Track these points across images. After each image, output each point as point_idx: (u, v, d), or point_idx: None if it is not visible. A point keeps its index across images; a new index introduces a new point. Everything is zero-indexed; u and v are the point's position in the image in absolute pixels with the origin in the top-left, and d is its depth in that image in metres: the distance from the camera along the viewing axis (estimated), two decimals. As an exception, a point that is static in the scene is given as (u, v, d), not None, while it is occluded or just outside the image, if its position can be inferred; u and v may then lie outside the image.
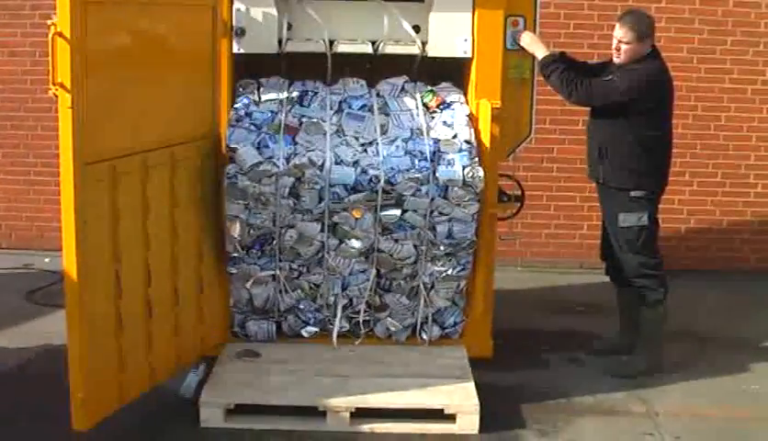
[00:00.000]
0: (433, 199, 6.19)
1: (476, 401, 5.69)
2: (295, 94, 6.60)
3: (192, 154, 6.05)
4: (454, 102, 6.60)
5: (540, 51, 6.55)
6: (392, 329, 6.53)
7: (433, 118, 6.55)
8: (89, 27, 4.95)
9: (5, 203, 9.87)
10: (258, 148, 6.23)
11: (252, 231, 6.26)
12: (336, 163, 6.21)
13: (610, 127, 6.47)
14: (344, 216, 6.21)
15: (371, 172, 6.18)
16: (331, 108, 6.52)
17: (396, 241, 6.28)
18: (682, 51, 9.20)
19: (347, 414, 5.62)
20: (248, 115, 6.42)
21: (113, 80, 5.26)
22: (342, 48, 6.59)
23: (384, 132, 6.43)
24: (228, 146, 6.23)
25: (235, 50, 6.44)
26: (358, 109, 6.55)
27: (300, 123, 6.42)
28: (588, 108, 6.74)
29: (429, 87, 6.71)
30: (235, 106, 6.45)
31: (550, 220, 9.53)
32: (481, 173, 6.21)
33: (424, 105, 6.60)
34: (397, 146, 6.33)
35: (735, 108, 9.43)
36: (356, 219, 6.19)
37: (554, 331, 7.58)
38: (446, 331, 6.58)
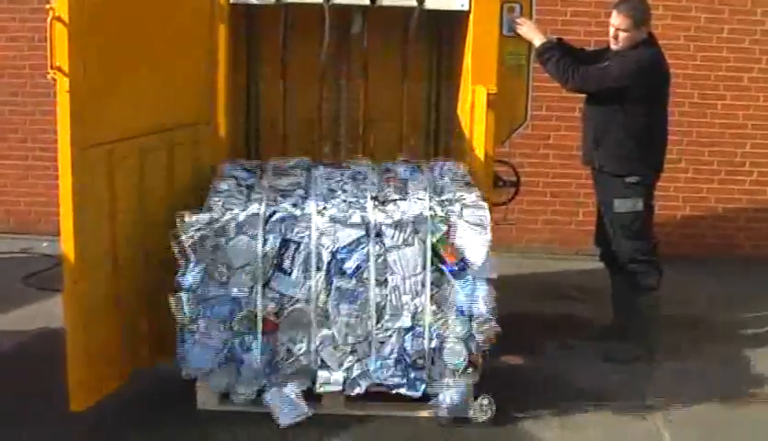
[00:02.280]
0: None
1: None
2: (274, 246, 5.47)
3: (189, 139, 6.07)
4: (472, 263, 5.49)
5: (537, 39, 6.58)
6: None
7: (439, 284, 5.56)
8: (87, 11, 4.97)
9: (3, 188, 9.89)
10: (227, 359, 5.55)
11: None
12: (321, 368, 5.59)
13: (605, 113, 6.50)
14: None
15: (361, 383, 5.60)
16: (318, 269, 5.46)
17: None
18: (678, 39, 9.21)
19: (342, 398, 5.65)
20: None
21: (111, 64, 5.27)
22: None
23: (379, 319, 5.54)
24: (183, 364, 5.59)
25: (233, 0, 6.41)
26: (351, 275, 5.48)
27: (281, 309, 5.53)
28: (583, 95, 6.76)
29: (441, 220, 5.55)
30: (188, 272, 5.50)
31: (546, 206, 9.57)
32: (486, 401, 5.63)
33: (434, 250, 5.51)
34: (391, 348, 5.56)
35: (731, 96, 9.45)
36: None
37: (549, 316, 7.62)
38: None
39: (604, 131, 6.54)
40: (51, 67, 4.89)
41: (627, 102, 6.39)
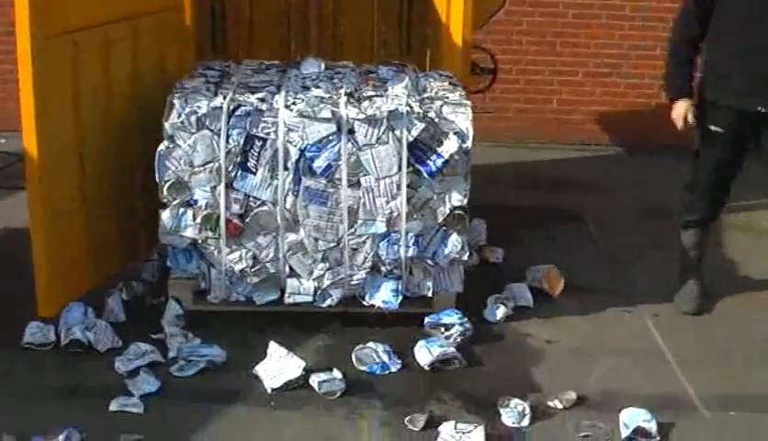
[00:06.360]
0: None
1: (452, 278, 5.55)
2: (238, 142, 5.13)
3: (155, 27, 5.80)
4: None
5: None
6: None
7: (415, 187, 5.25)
8: None
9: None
10: (190, 259, 5.36)
11: None
12: (290, 276, 5.35)
13: None
14: None
15: (333, 294, 5.37)
16: (285, 169, 5.15)
17: None
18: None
19: (323, 294, 5.51)
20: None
21: (70, -54, 4.99)
22: None
23: (352, 224, 5.24)
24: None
25: None
26: (321, 173, 5.14)
27: (246, 212, 5.23)
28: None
29: (418, 117, 5.19)
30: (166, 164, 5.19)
31: (519, 94, 9.30)
32: (470, 324, 5.35)
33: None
34: (365, 255, 5.29)
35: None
36: None
37: (530, 207, 7.45)
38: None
39: None
40: (7, -50, 4.64)
41: None
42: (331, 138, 5.13)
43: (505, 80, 8.82)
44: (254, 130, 5.14)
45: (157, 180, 5.19)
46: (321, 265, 5.30)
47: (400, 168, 5.17)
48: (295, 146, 5.14)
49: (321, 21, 7.04)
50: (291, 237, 5.25)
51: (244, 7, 6.93)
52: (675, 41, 5.62)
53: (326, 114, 5.13)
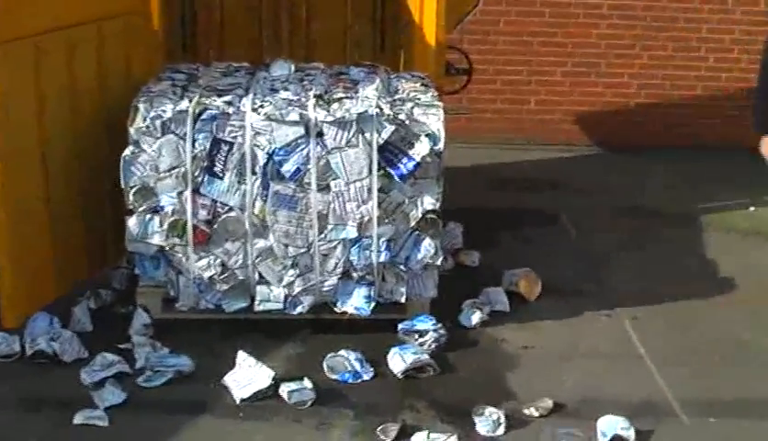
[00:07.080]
0: None
1: (428, 283, 5.46)
2: (204, 146, 5.03)
3: (121, 30, 5.71)
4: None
5: None
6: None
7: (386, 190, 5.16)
8: None
9: None
10: (157, 266, 5.25)
11: None
12: (260, 283, 5.26)
13: None
14: None
15: (304, 300, 5.28)
16: (253, 173, 5.05)
17: None
18: None
19: (291, 299, 5.41)
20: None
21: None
22: None
23: (322, 229, 5.14)
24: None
25: None
26: (290, 178, 5.04)
27: (213, 218, 5.12)
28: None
29: (389, 119, 5.11)
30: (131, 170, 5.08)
31: (496, 94, 9.23)
32: (444, 330, 5.30)
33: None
34: (336, 261, 5.19)
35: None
36: None
37: (505, 209, 7.38)
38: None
39: None
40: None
41: None
42: (299, 141, 5.03)
43: (483, 80, 8.77)
44: (221, 134, 5.04)
45: (123, 186, 5.09)
46: (292, 272, 5.20)
47: (370, 171, 5.09)
48: (263, 150, 5.04)
49: (294, 21, 6.96)
50: (260, 243, 5.16)
51: (215, 9, 6.84)
52: (761, 67, 5.39)
53: (294, 117, 5.04)
